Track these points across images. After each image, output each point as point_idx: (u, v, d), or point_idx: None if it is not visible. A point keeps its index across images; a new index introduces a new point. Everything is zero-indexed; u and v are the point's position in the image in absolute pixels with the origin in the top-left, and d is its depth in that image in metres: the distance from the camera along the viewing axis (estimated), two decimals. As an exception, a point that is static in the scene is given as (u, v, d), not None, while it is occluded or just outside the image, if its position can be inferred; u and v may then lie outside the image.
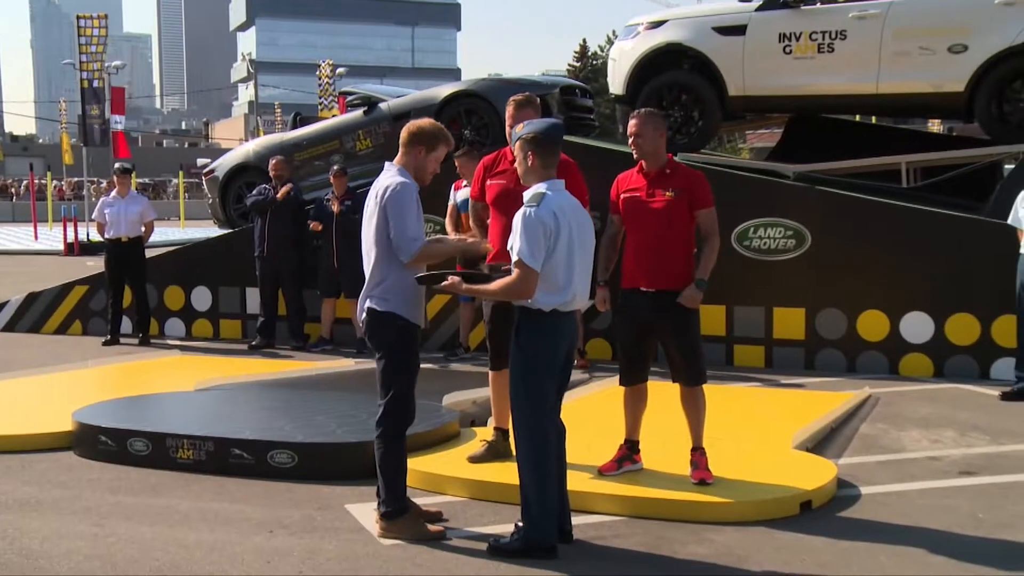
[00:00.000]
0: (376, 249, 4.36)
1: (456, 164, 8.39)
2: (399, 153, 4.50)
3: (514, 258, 4.03)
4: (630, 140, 5.23)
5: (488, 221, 5.47)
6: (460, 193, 8.45)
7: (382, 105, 10.57)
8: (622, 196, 5.24)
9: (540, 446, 4.09)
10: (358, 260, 8.40)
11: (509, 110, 5.26)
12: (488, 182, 5.41)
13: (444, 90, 10.29)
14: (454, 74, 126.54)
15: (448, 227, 7.62)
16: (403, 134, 4.51)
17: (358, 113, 10.69)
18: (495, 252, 5.19)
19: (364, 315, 4.42)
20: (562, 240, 4.05)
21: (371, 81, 49.05)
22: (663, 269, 4.94)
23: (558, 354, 4.13)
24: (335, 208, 9.76)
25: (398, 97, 10.68)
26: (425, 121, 4.59)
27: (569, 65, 57.35)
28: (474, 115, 9.95)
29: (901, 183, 9.15)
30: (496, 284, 4.12)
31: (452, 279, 4.18)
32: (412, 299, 4.38)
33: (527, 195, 4.12)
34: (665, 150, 5.25)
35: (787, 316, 8.52)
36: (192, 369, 8.52)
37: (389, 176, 4.40)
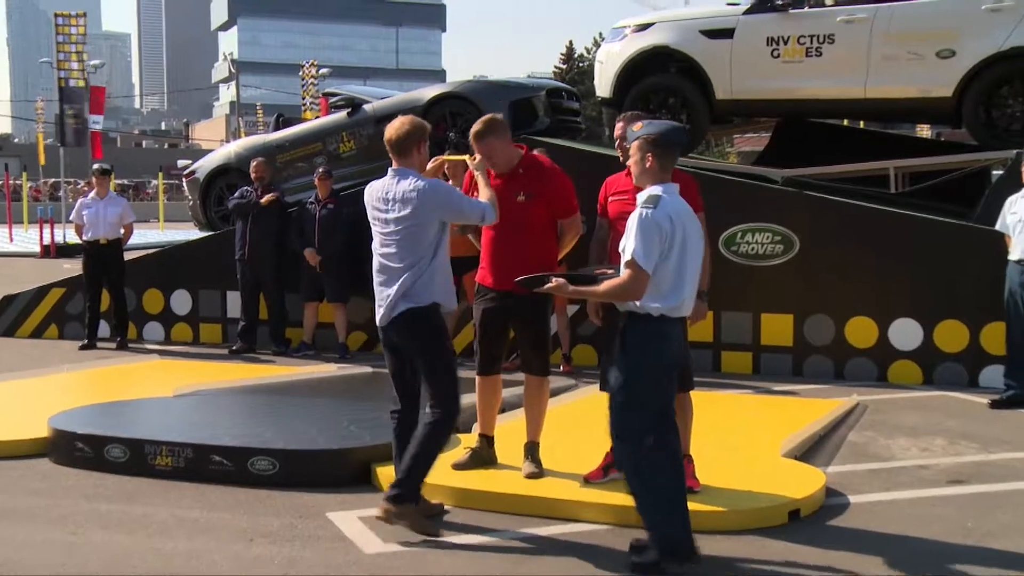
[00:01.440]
0: (404, 251, 4.54)
1: (445, 169, 8.44)
2: (396, 157, 4.63)
3: (626, 258, 4.02)
4: (617, 144, 5.27)
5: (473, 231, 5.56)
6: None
7: (366, 107, 10.57)
8: (610, 199, 5.25)
9: (654, 454, 4.04)
10: (342, 264, 8.42)
11: (472, 143, 5.16)
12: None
13: (429, 92, 10.30)
14: (439, 76, 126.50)
15: None
16: (398, 139, 4.62)
17: (341, 115, 10.70)
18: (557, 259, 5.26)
19: (394, 321, 4.56)
20: (676, 244, 4.05)
21: (355, 82, 48.91)
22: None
23: (665, 360, 4.10)
24: (318, 210, 9.74)
25: (382, 99, 10.68)
26: (406, 119, 4.68)
27: (555, 67, 57.41)
28: (460, 117, 9.90)
29: (890, 188, 9.21)
30: (605, 285, 4.10)
31: (557, 281, 4.21)
32: (449, 286, 4.69)
33: (642, 197, 4.12)
34: None
35: (775, 322, 8.54)
36: (171, 374, 8.47)
37: (407, 180, 4.57)
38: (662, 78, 9.60)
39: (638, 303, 4.07)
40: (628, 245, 4.03)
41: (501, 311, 5.33)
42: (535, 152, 5.37)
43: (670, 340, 4.11)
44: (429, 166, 4.97)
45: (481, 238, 5.44)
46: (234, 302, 10.26)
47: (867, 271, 8.32)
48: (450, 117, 9.96)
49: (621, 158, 5.23)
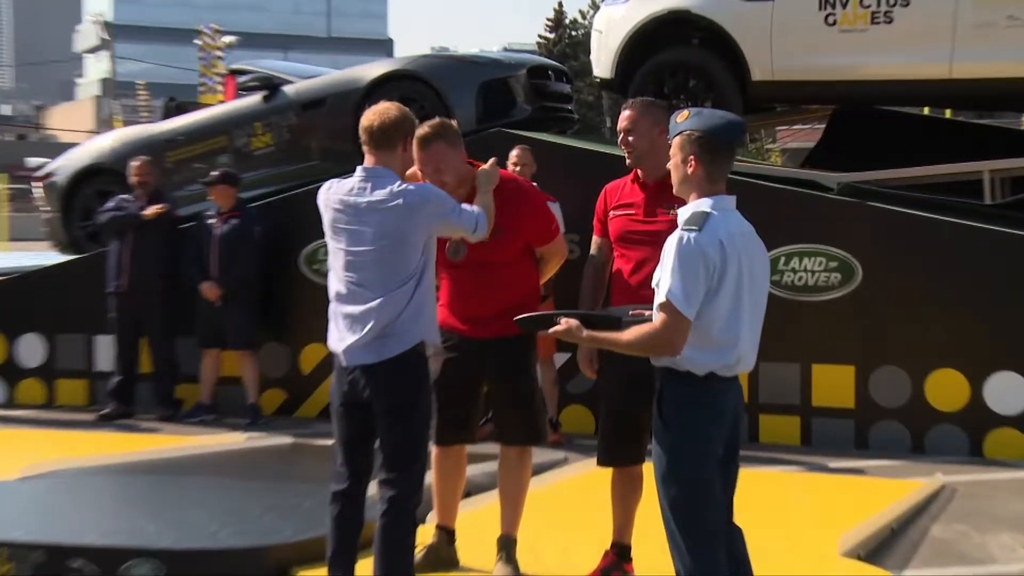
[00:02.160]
0: (384, 275, 4.69)
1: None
2: (373, 151, 4.78)
3: (659, 298, 3.99)
4: (620, 139, 5.33)
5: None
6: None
7: (287, 89, 10.65)
8: (612, 214, 5.35)
9: (704, 555, 4.02)
10: (251, 298, 8.53)
11: (415, 152, 5.21)
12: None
13: (372, 70, 10.39)
14: (384, 47, 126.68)
15: None
16: (382, 127, 4.78)
17: (254, 99, 10.78)
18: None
19: (369, 368, 4.67)
20: (728, 279, 4.02)
21: (271, 55, 48.95)
22: None
23: (718, 434, 4.11)
24: (217, 226, 9.82)
25: (308, 78, 10.80)
26: (392, 104, 4.87)
27: (540, 37, 57.75)
28: (413, 104, 10.01)
29: (983, 198, 9.27)
30: (632, 333, 4.05)
31: (567, 322, 4.16)
32: (435, 317, 4.91)
33: (684, 213, 4.11)
34: (668, 152, 5.37)
35: (830, 376, 8.59)
36: (16, 448, 8.49)
37: (387, 184, 4.70)
38: (680, 53, 9.64)
39: (676, 357, 4.08)
40: (663, 281, 4.01)
41: (470, 362, 5.42)
42: (512, 158, 5.50)
43: (724, 408, 4.11)
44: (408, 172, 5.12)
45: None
46: (105, 350, 10.28)
47: (954, 309, 8.37)
48: (400, 103, 10.11)
49: (627, 158, 5.35)
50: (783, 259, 8.65)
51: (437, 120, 5.38)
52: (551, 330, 4.24)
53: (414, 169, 5.22)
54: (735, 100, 9.51)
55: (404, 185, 4.79)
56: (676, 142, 4.22)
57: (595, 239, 5.56)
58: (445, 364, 5.42)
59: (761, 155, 31.74)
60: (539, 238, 5.53)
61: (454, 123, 5.42)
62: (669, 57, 9.71)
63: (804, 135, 15.75)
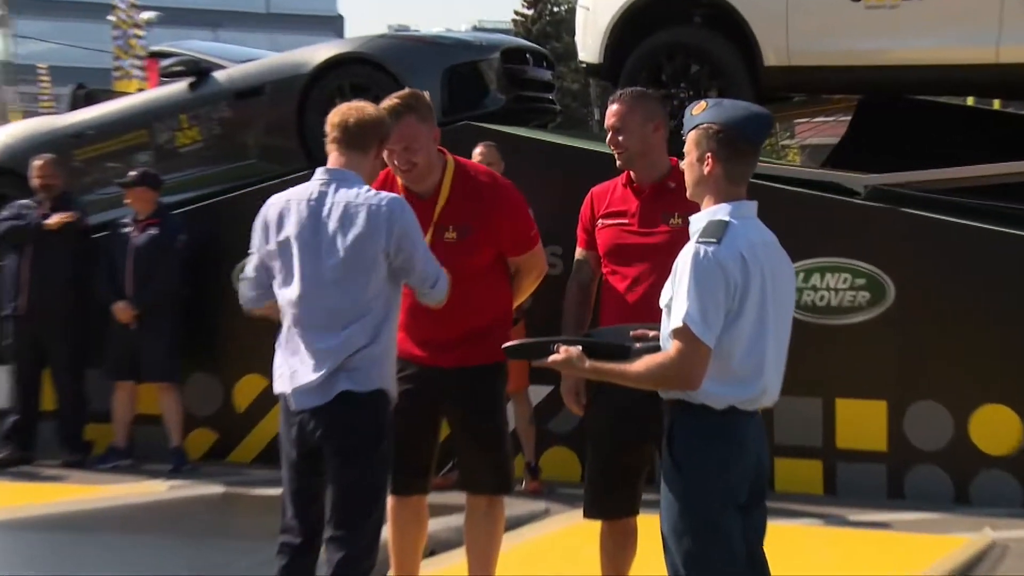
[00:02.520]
0: (347, 296, 4.73)
1: None
2: (343, 151, 4.86)
3: (674, 323, 3.99)
4: (609, 137, 5.36)
5: None
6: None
7: (218, 75, 10.63)
8: (600, 223, 5.40)
9: None
10: (174, 321, 8.45)
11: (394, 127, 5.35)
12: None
13: (319, 53, 10.38)
14: (333, 26, 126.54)
15: None
16: (357, 124, 4.86)
17: (179, 86, 10.75)
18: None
19: (322, 409, 4.70)
20: (751, 298, 4.04)
21: (199, 35, 48.81)
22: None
23: (739, 476, 4.11)
24: (134, 235, 9.75)
25: (244, 62, 10.79)
26: (368, 105, 4.94)
27: (516, 14, 57.81)
28: (366, 93, 9.90)
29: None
30: (642, 364, 4.06)
31: (567, 351, 4.18)
32: (395, 365, 4.96)
33: (699, 223, 4.12)
34: (666, 152, 5.40)
35: (858, 413, 8.59)
36: None
37: (357, 188, 4.78)
38: (680, 33, 9.64)
39: (693, 391, 4.10)
40: (677, 302, 4.02)
41: (429, 395, 5.44)
42: (476, 158, 5.50)
43: (746, 446, 4.11)
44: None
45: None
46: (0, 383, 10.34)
47: (1004, 334, 8.35)
48: (351, 92, 9.56)
49: (617, 159, 5.39)
50: (802, 276, 8.58)
51: (408, 91, 5.43)
52: (549, 360, 4.23)
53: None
54: (745, 88, 9.35)
55: (378, 192, 4.85)
56: (691, 137, 4.23)
57: (580, 252, 5.57)
58: (400, 398, 5.40)
59: (776, 153, 31.78)
60: (516, 246, 5.54)
61: (427, 95, 5.43)
62: (667, 38, 9.64)
63: (826, 129, 15.82)
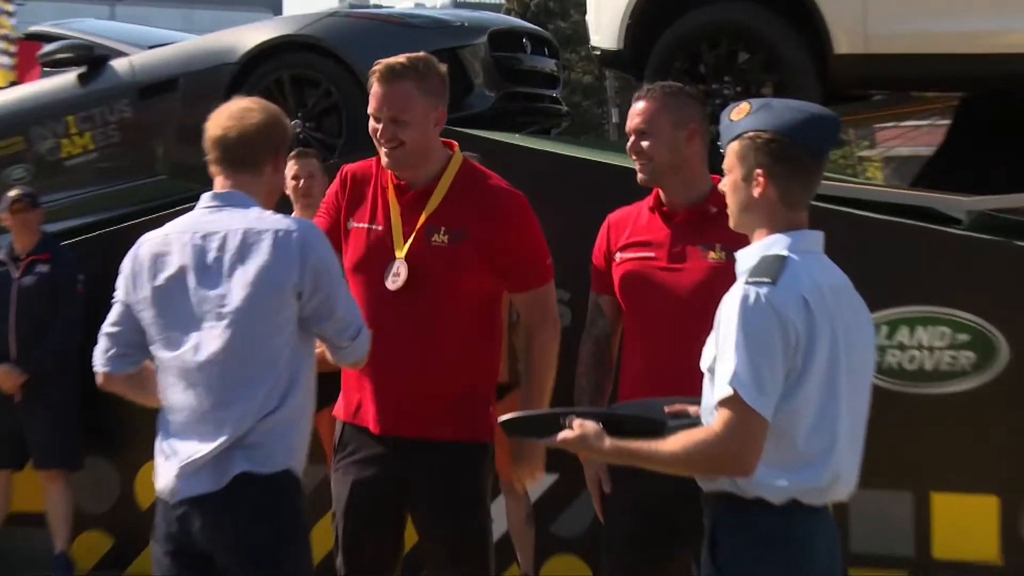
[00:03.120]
0: (244, 353, 4.77)
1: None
2: (229, 173, 4.91)
3: (719, 388, 4.02)
4: (631, 144, 5.38)
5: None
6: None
7: (117, 64, 10.66)
8: (619, 257, 5.42)
9: None
10: (70, 387, 8.41)
11: (375, 87, 5.43)
12: (355, 225, 5.63)
13: (250, 36, 10.41)
14: (271, 2, 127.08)
15: None
16: (240, 136, 4.88)
17: (65, 79, 10.83)
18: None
19: (207, 498, 4.69)
20: (818, 355, 4.05)
21: (93, 11, 49.23)
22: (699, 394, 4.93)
23: None
24: (17, 276, 9.57)
25: (151, 48, 10.81)
26: (252, 101, 5.02)
27: (507, -13, 58.14)
28: (313, 88, 9.95)
29: None
30: (679, 443, 4.07)
31: (582, 426, 4.19)
32: (306, 440, 4.94)
33: (747, 259, 4.15)
34: (706, 166, 5.37)
35: (961, 512, 8.42)
36: None
37: (252, 213, 4.86)
38: (724, 11, 9.63)
39: (745, 478, 4.04)
40: (723, 362, 4.01)
41: (391, 483, 5.37)
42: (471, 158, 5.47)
43: (813, 553, 4.12)
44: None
45: None
46: None
47: None
48: (291, 87, 9.97)
49: (640, 173, 5.32)
50: (886, 330, 8.47)
51: (421, 54, 5.49)
52: (559, 438, 4.18)
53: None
54: (809, 84, 9.29)
55: (285, 216, 4.80)
56: (733, 151, 4.16)
57: (595, 297, 5.50)
58: (356, 488, 5.34)
59: (851, 167, 31.90)
60: (522, 275, 5.43)
61: (443, 68, 5.50)
62: (707, 17, 9.59)
63: (918, 137, 15.89)
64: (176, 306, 4.71)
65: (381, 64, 5.31)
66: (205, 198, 4.77)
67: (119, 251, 9.50)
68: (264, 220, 4.71)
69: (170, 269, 4.73)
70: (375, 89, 5.39)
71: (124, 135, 10.23)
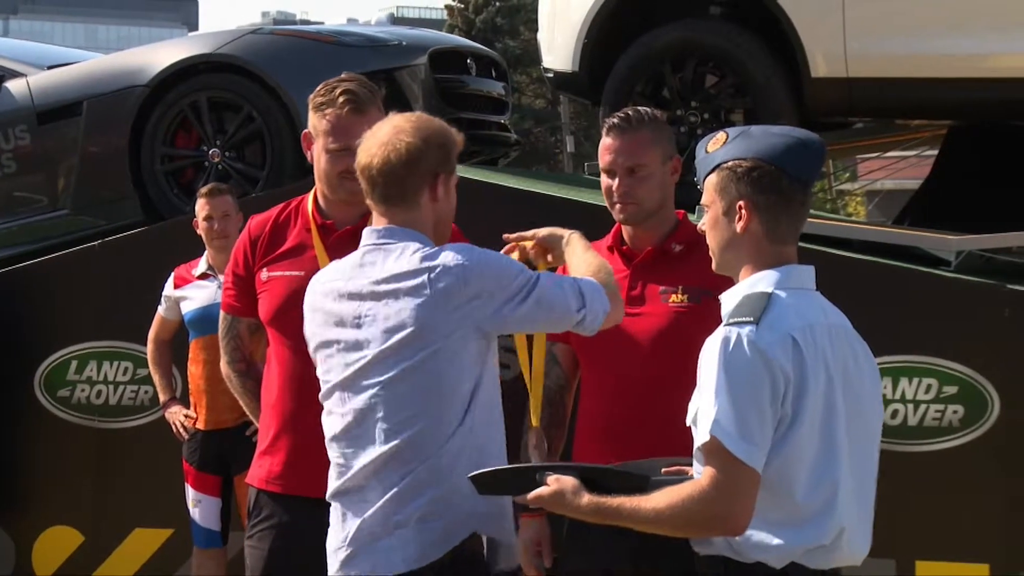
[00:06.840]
0: (402, 412, 4.84)
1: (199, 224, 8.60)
2: (376, 214, 4.95)
3: (700, 438, 4.08)
4: (616, 182, 5.47)
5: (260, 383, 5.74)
6: (188, 292, 8.79)
7: (11, 85, 10.70)
8: None
9: None
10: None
11: (314, 121, 5.46)
12: (272, 274, 5.67)
13: (163, 55, 10.44)
14: (182, 13, 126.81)
15: (156, 374, 8.32)
16: (393, 166, 4.92)
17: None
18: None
19: None
20: (810, 400, 4.11)
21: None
22: (669, 453, 4.89)
23: None
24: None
25: (51, 68, 10.81)
26: (398, 128, 4.97)
27: (452, 1, 58.44)
28: (231, 114, 10.02)
29: None
30: (663, 499, 4.14)
31: (558, 482, 4.26)
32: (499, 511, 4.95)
33: (730, 300, 4.25)
34: (673, 201, 5.40)
35: (950, 580, 8.29)
36: None
37: (409, 252, 4.88)
38: (691, 29, 9.68)
39: (737, 538, 4.10)
40: (704, 410, 4.07)
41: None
42: None
43: None
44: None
45: (272, 374, 5.51)
46: None
47: None
48: (209, 112, 10.02)
49: (620, 213, 5.36)
50: (870, 382, 8.62)
51: (351, 77, 5.71)
52: (531, 495, 4.21)
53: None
54: (784, 109, 9.41)
55: (442, 252, 4.80)
56: (712, 184, 4.22)
57: (549, 347, 5.53)
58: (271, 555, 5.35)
59: (830, 201, 32.13)
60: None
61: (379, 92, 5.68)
62: (671, 36, 9.63)
63: (904, 170, 16.02)
64: (333, 356, 5.10)
65: (318, 93, 5.23)
66: (366, 232, 4.95)
67: (16, 293, 9.69)
68: (425, 255, 4.84)
69: (322, 310, 5.08)
70: (316, 118, 5.62)
71: (20, 165, 10.19)
